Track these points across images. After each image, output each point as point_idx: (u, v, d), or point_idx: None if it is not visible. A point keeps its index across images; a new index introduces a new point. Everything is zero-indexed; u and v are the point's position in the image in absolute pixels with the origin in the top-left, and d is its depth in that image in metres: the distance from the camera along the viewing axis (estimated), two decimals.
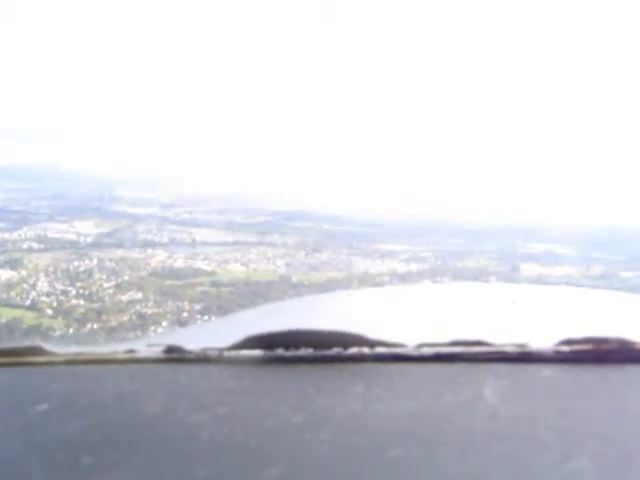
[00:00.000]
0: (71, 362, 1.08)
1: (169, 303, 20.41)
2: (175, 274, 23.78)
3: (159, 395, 0.90)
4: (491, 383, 0.87)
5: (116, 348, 1.13)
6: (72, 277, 22.40)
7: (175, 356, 1.07)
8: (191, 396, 0.90)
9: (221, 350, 1.05)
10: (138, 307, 20.08)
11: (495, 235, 31.01)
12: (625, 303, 1.83)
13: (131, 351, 1.10)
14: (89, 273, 22.90)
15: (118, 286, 21.86)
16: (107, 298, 21.03)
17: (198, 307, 19.66)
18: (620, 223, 32.64)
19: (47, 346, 1.10)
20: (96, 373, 1.04)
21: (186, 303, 20.31)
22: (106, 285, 21.96)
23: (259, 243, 29.54)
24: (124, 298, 20.98)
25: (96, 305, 20.33)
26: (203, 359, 1.05)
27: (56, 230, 28.44)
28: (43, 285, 21.39)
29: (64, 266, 23.25)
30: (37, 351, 1.09)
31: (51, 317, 19.20)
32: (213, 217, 34.03)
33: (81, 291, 21.21)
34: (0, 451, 0.75)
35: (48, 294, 20.90)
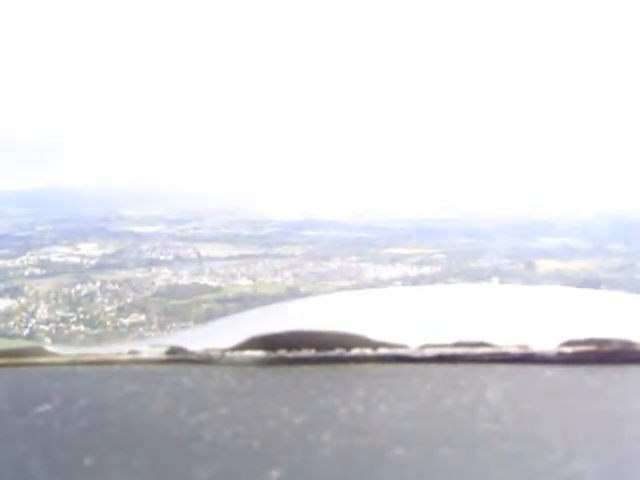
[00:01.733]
0: (73, 363, 1.06)
1: (173, 324, 19.71)
2: (180, 292, 23.06)
3: (161, 396, 0.88)
4: (494, 384, 0.88)
5: (118, 349, 1.12)
6: (73, 302, 21.71)
7: (177, 357, 1.06)
8: (193, 397, 0.89)
9: (223, 351, 1.04)
10: (141, 330, 19.35)
11: (507, 232, 30.28)
12: (628, 304, 1.73)
13: (133, 352, 1.09)
14: (91, 297, 22.20)
15: (120, 309, 21.23)
16: (109, 322, 20.34)
17: None
18: (631, 213, 32.12)
19: (49, 347, 1.10)
20: (98, 374, 1.02)
21: (191, 323, 19.43)
22: (108, 309, 21.30)
23: (266, 255, 28.85)
24: (126, 321, 20.29)
25: (97, 331, 19.59)
26: (205, 360, 1.04)
27: (60, 254, 27.98)
28: (43, 312, 20.73)
29: (66, 291, 22.63)
30: (39, 352, 1.09)
31: (49, 346, 18.22)
32: (220, 231, 33.60)
33: (82, 316, 20.49)
34: (1, 452, 0.74)
35: (47, 322, 20.18)
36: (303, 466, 0.67)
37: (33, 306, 21.14)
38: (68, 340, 18.67)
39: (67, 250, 28.29)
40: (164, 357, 1.07)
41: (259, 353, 1.04)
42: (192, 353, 1.06)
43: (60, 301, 21.70)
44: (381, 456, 0.68)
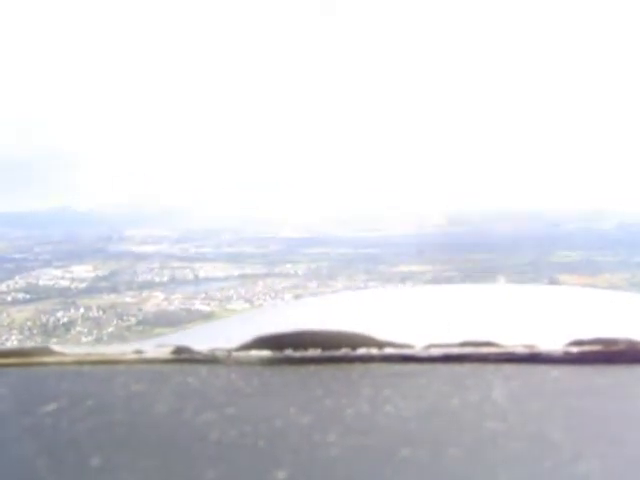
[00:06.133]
0: (79, 362, 1.05)
1: None
2: (167, 320, 20.36)
3: (167, 396, 0.87)
4: (500, 384, 0.87)
5: (124, 349, 1.10)
6: (49, 332, 19.16)
7: (183, 357, 1.05)
8: (199, 397, 0.87)
9: (229, 351, 1.03)
10: None
11: (525, 246, 27.52)
12: (634, 303, 1.71)
13: (139, 351, 1.08)
14: (69, 326, 19.57)
15: (98, 340, 18.58)
16: None
17: None
18: None
19: (56, 347, 1.08)
20: (104, 373, 1.01)
21: None
22: (85, 340, 18.74)
23: (268, 274, 26.08)
24: None
25: None
26: (211, 360, 1.03)
27: (50, 277, 25.44)
28: (12, 344, 17.95)
29: (44, 319, 19.95)
30: (46, 351, 1.07)
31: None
32: (222, 250, 31.00)
33: None
34: (8, 451, 0.73)
35: None
36: (309, 466, 0.67)
37: (4, 337, 18.59)
38: None
39: (59, 273, 25.77)
40: (170, 357, 1.05)
41: (265, 353, 1.02)
42: (198, 353, 1.04)
43: (35, 331, 19.10)
44: (388, 456, 0.67)
